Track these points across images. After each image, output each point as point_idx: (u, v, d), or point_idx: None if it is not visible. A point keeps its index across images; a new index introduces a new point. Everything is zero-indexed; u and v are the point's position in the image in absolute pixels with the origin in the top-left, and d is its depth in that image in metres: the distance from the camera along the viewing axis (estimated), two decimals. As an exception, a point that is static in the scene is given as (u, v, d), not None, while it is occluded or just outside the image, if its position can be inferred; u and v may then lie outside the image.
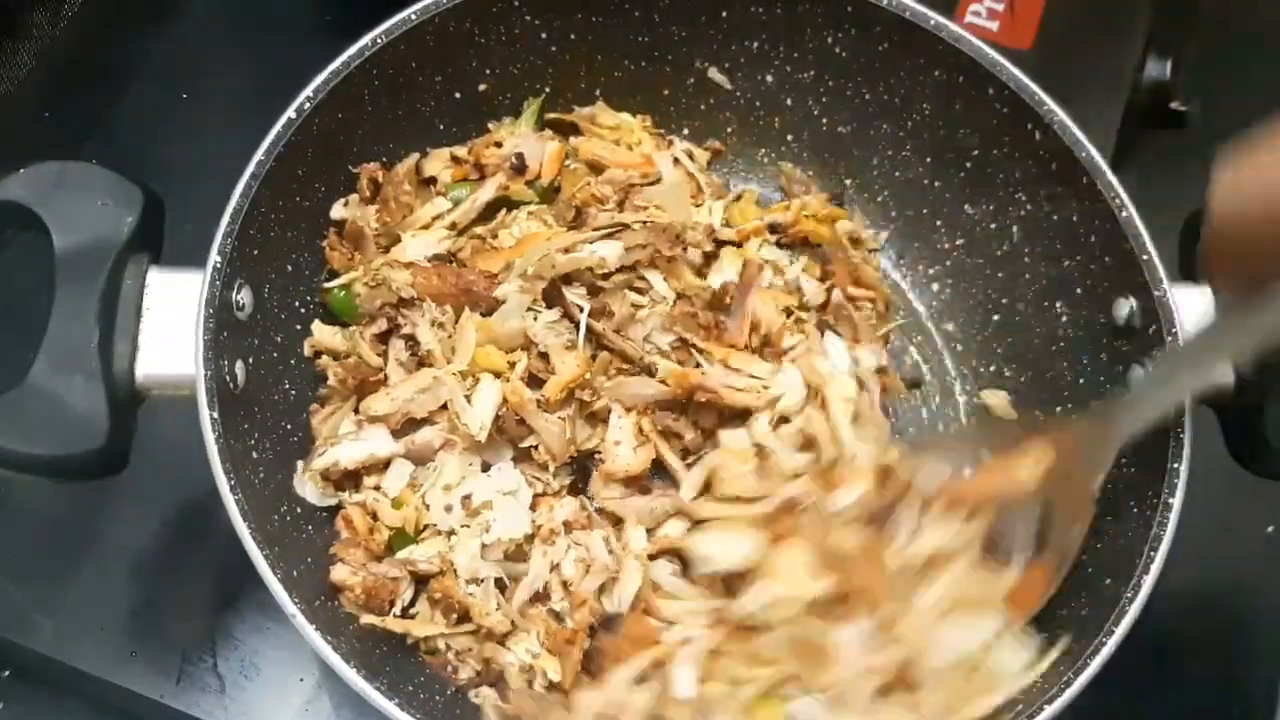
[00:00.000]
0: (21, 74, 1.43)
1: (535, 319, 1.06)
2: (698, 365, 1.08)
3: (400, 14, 1.07)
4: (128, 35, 1.45)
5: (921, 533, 0.97)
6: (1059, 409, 1.12)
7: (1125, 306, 1.03)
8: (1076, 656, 0.90)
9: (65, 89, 1.42)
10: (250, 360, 0.99)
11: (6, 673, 1.12)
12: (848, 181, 1.26)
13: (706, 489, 1.06)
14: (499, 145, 1.18)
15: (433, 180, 1.17)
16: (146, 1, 1.48)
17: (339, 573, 1.00)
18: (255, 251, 0.99)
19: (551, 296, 1.08)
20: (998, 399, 1.18)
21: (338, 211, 1.12)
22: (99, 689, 1.09)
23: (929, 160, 1.19)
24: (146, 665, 1.09)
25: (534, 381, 1.05)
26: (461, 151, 1.18)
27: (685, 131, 1.27)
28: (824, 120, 1.23)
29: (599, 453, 1.06)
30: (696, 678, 0.95)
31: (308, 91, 1.02)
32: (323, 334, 1.09)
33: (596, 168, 1.20)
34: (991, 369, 1.19)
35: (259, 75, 1.35)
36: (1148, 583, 0.91)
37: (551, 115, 1.23)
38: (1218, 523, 1.14)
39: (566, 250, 1.07)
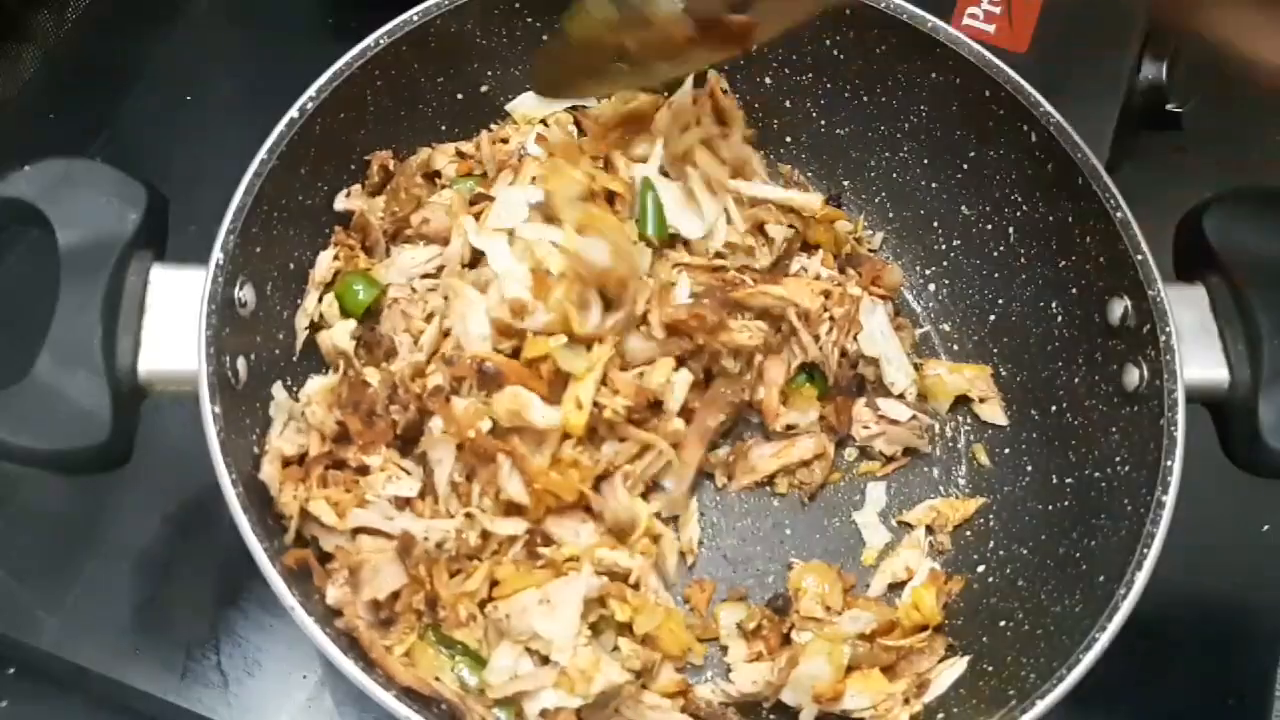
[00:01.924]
0: (27, 76, 1.44)
1: None
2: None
3: (402, 15, 1.07)
4: (132, 37, 1.46)
5: None
6: (1054, 408, 1.13)
7: (1120, 306, 1.03)
8: (1070, 652, 0.91)
9: (70, 90, 1.43)
10: (252, 356, 1.00)
11: (10, 670, 1.12)
12: (845, 183, 1.27)
13: None
14: (505, 141, 1.19)
15: (437, 175, 1.18)
16: (150, 3, 1.48)
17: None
18: (258, 249, 1.00)
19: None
20: (994, 398, 1.19)
21: (340, 203, 1.13)
22: (102, 686, 1.09)
23: (926, 162, 1.20)
24: (150, 662, 1.10)
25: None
26: (467, 147, 1.19)
27: (684, 133, 1.27)
28: (822, 122, 1.24)
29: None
30: None
31: (311, 91, 1.03)
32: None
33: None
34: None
35: (262, 76, 1.36)
36: (1141, 579, 0.92)
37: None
38: (1213, 520, 1.14)
39: None
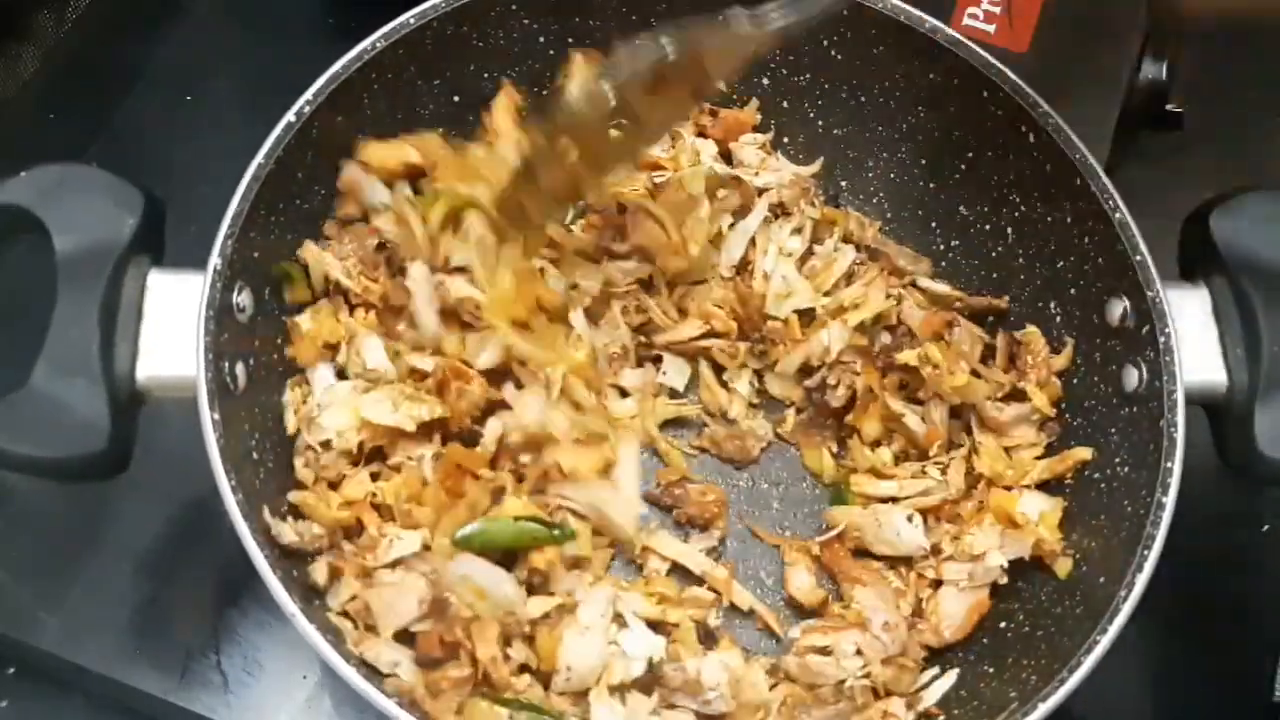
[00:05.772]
0: (26, 76, 1.43)
1: None
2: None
3: (398, 19, 1.07)
4: (132, 37, 1.45)
5: None
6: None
7: (1119, 307, 1.03)
8: (1071, 654, 0.91)
9: (70, 91, 1.42)
10: (251, 361, 1.00)
11: (10, 670, 1.12)
12: (843, 183, 1.27)
13: None
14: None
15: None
16: (150, 3, 1.48)
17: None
18: (256, 254, 1.00)
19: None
20: (991, 398, 1.18)
21: None
22: (102, 686, 1.09)
23: (923, 162, 1.20)
24: (150, 662, 1.09)
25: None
26: None
27: (682, 133, 1.27)
28: (819, 123, 1.24)
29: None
30: None
31: (307, 95, 1.02)
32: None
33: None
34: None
35: (262, 77, 1.35)
36: (1141, 581, 0.92)
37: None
38: (1213, 520, 1.15)
39: None
